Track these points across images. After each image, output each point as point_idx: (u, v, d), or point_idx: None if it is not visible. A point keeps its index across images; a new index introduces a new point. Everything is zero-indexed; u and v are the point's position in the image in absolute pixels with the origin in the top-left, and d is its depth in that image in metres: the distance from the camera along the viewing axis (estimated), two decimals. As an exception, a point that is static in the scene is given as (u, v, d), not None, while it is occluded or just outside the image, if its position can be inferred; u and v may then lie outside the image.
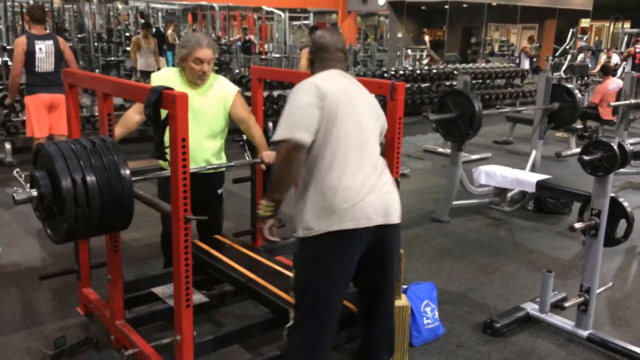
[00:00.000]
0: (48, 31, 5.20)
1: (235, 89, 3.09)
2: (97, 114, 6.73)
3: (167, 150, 2.09)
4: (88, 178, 1.99)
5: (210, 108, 2.99)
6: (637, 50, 10.91)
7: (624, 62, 11.09)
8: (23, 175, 2.14)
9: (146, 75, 8.39)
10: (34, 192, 2.05)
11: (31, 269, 3.64)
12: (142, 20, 11.22)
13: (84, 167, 2.00)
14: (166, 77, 2.98)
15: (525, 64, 13.75)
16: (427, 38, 17.60)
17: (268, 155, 2.99)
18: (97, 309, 2.90)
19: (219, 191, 3.23)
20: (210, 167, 3.00)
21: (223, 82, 3.10)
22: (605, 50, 13.54)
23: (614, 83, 7.81)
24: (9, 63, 6.52)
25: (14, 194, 2.04)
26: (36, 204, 2.10)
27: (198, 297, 2.84)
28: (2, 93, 6.19)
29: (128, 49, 9.94)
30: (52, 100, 5.07)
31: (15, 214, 4.60)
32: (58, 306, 3.18)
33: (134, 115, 2.95)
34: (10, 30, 9.63)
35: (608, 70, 8.04)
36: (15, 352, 2.75)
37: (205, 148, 3.00)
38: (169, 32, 9.41)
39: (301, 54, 6.91)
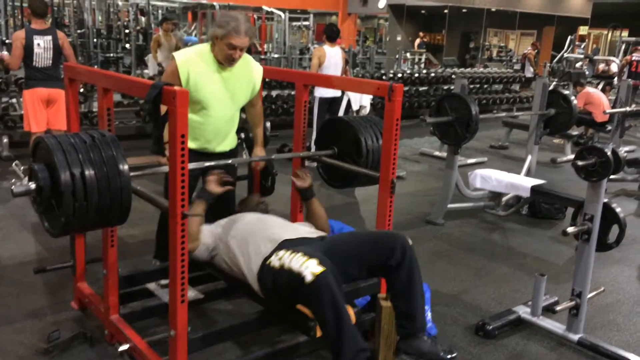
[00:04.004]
0: (48, 26, 5.20)
1: (260, 71, 3.03)
2: (94, 109, 6.75)
3: (166, 146, 2.11)
4: (87, 172, 2.00)
5: (242, 90, 2.97)
6: (634, 58, 10.96)
7: (623, 70, 11.09)
8: (22, 168, 2.14)
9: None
10: (32, 185, 2.06)
11: (26, 263, 3.65)
12: (143, 18, 11.16)
13: (83, 161, 2.01)
14: (190, 57, 2.82)
15: (529, 72, 13.39)
16: (417, 41, 17.62)
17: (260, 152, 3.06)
18: (92, 304, 2.91)
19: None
20: (209, 164, 2.96)
21: (252, 64, 3.00)
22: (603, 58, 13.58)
23: (591, 88, 8.29)
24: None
25: (12, 187, 2.05)
26: (34, 196, 2.10)
27: (193, 294, 2.85)
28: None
29: (127, 46, 9.88)
30: (49, 95, 5.06)
31: (11, 207, 4.60)
32: (53, 300, 3.20)
33: None
34: (9, 25, 9.61)
35: (580, 83, 8.48)
36: (9, 345, 2.75)
37: (232, 129, 3.06)
38: (160, 33, 8.58)
39: (313, 53, 6.71)
